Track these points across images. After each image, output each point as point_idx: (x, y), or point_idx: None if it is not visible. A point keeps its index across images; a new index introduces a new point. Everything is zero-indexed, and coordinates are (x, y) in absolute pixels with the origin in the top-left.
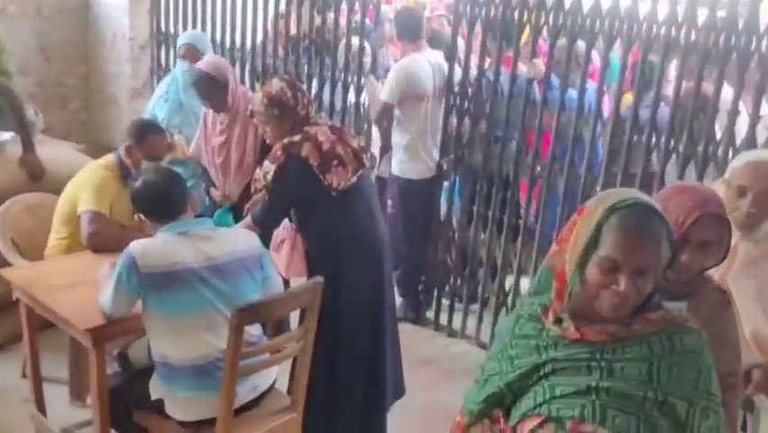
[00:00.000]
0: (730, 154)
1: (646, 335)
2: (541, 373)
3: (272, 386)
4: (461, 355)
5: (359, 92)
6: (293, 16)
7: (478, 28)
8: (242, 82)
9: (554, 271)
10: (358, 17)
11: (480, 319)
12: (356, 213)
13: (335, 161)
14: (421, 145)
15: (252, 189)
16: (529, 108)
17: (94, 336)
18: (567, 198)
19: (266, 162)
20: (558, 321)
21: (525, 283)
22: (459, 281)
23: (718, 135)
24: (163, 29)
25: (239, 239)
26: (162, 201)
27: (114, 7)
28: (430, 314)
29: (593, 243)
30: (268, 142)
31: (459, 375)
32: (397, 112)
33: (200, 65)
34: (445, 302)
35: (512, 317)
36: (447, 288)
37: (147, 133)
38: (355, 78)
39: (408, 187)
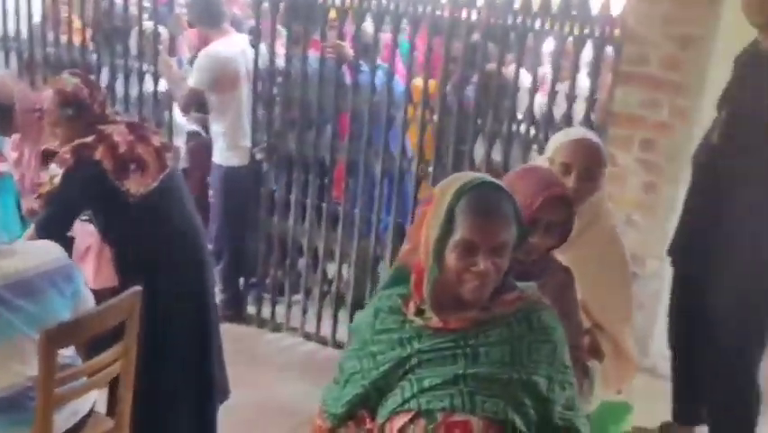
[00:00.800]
0: (531, 132)
1: (506, 316)
2: (407, 367)
3: (92, 409)
4: (288, 349)
5: (156, 80)
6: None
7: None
8: (19, 75)
9: (409, 266)
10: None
11: (305, 310)
12: (166, 215)
13: (134, 165)
14: (240, 132)
15: (36, 195)
16: (341, 92)
17: None
18: (384, 181)
19: (52, 166)
20: (419, 312)
21: (346, 270)
22: (280, 273)
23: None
24: None
25: (42, 251)
26: None
27: None
28: (251, 309)
29: (447, 228)
30: (56, 145)
31: (288, 370)
32: (213, 99)
33: None
34: (266, 296)
35: (369, 312)
36: (268, 280)
37: None
38: (151, 66)
39: (231, 174)
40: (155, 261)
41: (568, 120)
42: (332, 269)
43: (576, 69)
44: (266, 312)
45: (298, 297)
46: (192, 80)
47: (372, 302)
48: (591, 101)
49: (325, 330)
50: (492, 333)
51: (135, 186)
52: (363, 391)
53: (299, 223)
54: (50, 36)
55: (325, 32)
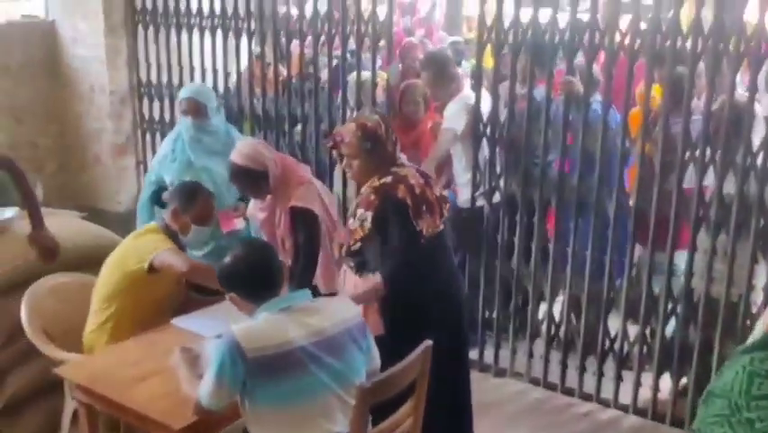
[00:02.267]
0: None
1: None
2: None
3: None
4: (516, 396)
5: None
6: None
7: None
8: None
9: None
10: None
11: (531, 355)
12: (441, 260)
13: (425, 207)
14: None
15: (351, 242)
16: (568, 131)
17: None
18: (618, 222)
19: (359, 210)
20: None
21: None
22: (502, 316)
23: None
24: (144, 79)
25: (343, 307)
26: (260, 277)
27: (90, 60)
28: (473, 354)
29: None
30: (349, 177)
31: (519, 418)
32: (460, 145)
33: (234, 158)
34: (488, 339)
35: (740, 377)
36: (491, 324)
37: (196, 196)
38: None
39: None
40: (425, 309)
41: None
42: (558, 312)
43: None
44: (488, 356)
45: (520, 341)
46: (451, 124)
47: (739, 364)
48: None
49: (553, 376)
50: None
51: (427, 226)
52: None
53: (523, 264)
54: (250, 91)
55: (552, 69)
